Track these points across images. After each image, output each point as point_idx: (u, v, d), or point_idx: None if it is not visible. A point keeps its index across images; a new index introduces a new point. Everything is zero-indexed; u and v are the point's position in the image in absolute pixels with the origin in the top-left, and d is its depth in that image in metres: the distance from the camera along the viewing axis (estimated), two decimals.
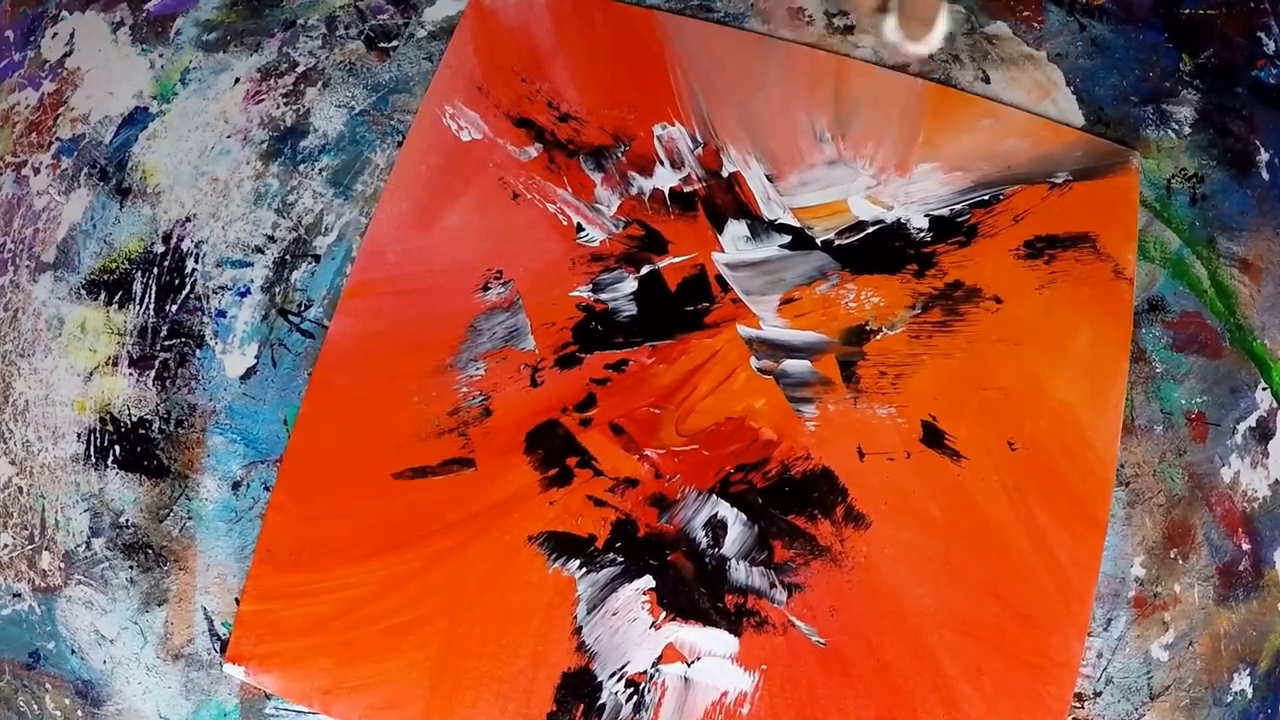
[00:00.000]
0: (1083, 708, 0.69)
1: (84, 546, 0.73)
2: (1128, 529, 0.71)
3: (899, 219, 0.75)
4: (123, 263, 0.76)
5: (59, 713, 0.71)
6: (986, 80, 0.78)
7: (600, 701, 0.68)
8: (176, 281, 0.76)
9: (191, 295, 0.75)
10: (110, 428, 0.74)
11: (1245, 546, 0.72)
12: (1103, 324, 0.72)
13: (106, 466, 0.73)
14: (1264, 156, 0.78)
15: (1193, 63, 0.79)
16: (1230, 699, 0.70)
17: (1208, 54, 0.79)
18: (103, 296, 0.76)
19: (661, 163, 0.76)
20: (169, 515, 0.72)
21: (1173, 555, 0.71)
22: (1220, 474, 0.72)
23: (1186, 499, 0.72)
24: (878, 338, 0.73)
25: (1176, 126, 0.78)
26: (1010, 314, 0.73)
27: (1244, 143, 0.78)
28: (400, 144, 0.77)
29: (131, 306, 0.75)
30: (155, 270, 0.76)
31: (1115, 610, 0.70)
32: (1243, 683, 0.70)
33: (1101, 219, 0.74)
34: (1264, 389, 0.74)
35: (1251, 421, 0.73)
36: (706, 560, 0.69)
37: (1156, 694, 0.69)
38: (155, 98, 0.80)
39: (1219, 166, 0.77)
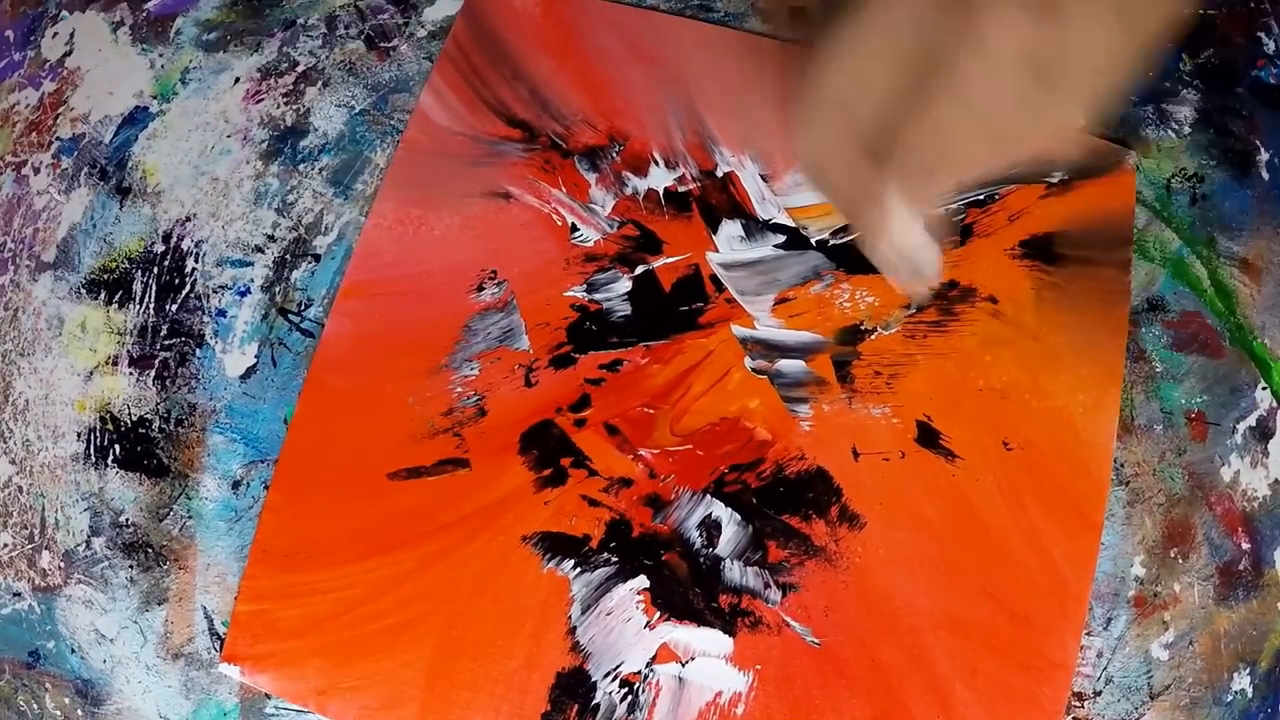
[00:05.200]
0: (1083, 707, 0.68)
1: (84, 546, 0.73)
2: (1127, 528, 0.71)
3: None
4: (123, 262, 0.76)
5: (59, 712, 0.72)
6: None
7: (595, 701, 0.68)
8: (176, 281, 0.76)
9: (191, 295, 0.76)
10: (110, 427, 0.74)
11: (1245, 546, 0.71)
12: (1099, 324, 0.72)
13: (106, 466, 0.74)
14: (1264, 156, 0.77)
15: (1193, 63, 0.79)
16: (1230, 698, 0.70)
17: (1208, 54, 0.79)
18: (103, 296, 0.76)
19: (656, 163, 0.76)
20: (169, 514, 0.73)
21: (1173, 555, 0.71)
22: (1220, 473, 0.72)
23: (1186, 498, 0.72)
24: (872, 337, 0.72)
25: (1176, 126, 0.77)
26: (1006, 314, 0.72)
27: (1244, 143, 0.77)
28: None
29: (131, 306, 0.76)
30: (155, 270, 0.76)
31: (1115, 610, 0.70)
32: (1243, 682, 0.70)
33: (1098, 219, 0.74)
34: (1264, 388, 0.74)
35: (1251, 421, 0.73)
36: (701, 560, 0.69)
37: (1156, 693, 0.69)
38: (155, 97, 0.80)
39: (1219, 166, 0.76)
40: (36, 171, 0.79)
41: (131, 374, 0.75)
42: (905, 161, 0.55)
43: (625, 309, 0.73)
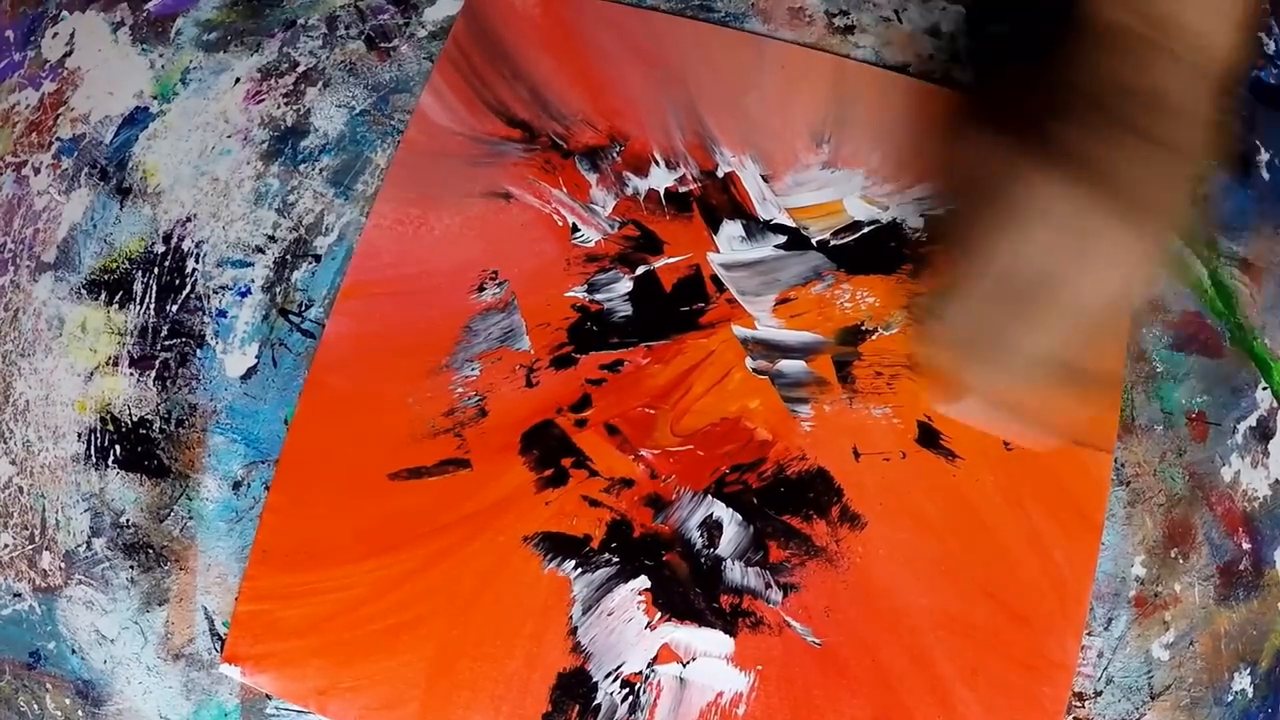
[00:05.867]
0: (1083, 707, 0.68)
1: (84, 546, 0.73)
2: (1128, 528, 0.71)
3: (894, 219, 0.75)
4: (123, 262, 0.76)
5: (59, 713, 0.71)
6: None
7: (595, 702, 0.68)
8: (177, 281, 0.76)
9: (192, 295, 0.76)
10: (111, 427, 0.74)
11: (1245, 546, 0.71)
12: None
13: (107, 466, 0.74)
14: (1264, 156, 0.77)
15: None
16: (1231, 698, 0.70)
17: None
18: (103, 296, 0.76)
19: (657, 163, 0.76)
20: (170, 515, 0.73)
21: (1173, 555, 0.71)
22: (1220, 473, 0.72)
23: (1187, 498, 0.72)
24: (873, 338, 0.73)
25: None
26: None
27: (1244, 143, 0.77)
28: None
29: (132, 306, 0.76)
30: (156, 270, 0.76)
31: (1116, 610, 0.70)
32: (1243, 682, 0.70)
33: None
34: (1264, 388, 0.74)
35: (1252, 421, 0.73)
36: (702, 560, 0.69)
37: (1157, 693, 0.69)
38: (155, 97, 0.80)
39: (1219, 166, 0.76)
40: (37, 172, 0.79)
41: (132, 374, 0.75)
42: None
43: (626, 309, 0.74)
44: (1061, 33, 0.63)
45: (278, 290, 0.75)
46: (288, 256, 0.76)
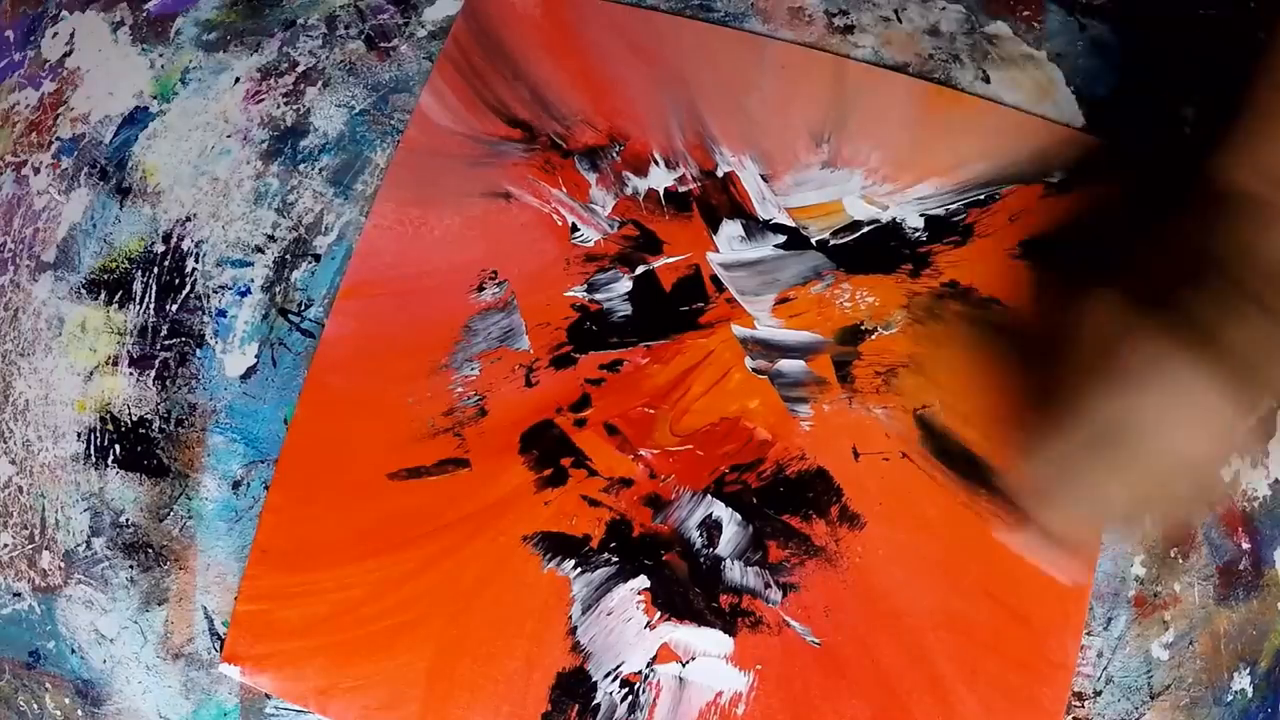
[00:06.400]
0: (1083, 707, 0.68)
1: (84, 546, 0.73)
2: None
3: (894, 219, 0.74)
4: (123, 262, 0.76)
5: (59, 712, 0.72)
6: (986, 80, 0.77)
7: (595, 702, 0.68)
8: (176, 281, 0.76)
9: (191, 295, 0.76)
10: (110, 427, 0.74)
11: (1245, 546, 0.71)
12: None
13: (106, 466, 0.74)
14: None
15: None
16: (1230, 698, 0.70)
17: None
18: (103, 296, 0.76)
19: (656, 163, 0.76)
20: (169, 514, 0.73)
21: (1173, 554, 0.71)
22: (1220, 473, 0.72)
23: None
24: (873, 337, 0.72)
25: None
26: (1006, 314, 0.72)
27: None
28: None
29: (131, 306, 0.76)
30: (155, 270, 0.76)
31: (1115, 609, 0.70)
32: (1243, 682, 0.70)
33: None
34: None
35: (1252, 421, 0.73)
36: (701, 560, 0.69)
37: (1157, 693, 0.69)
38: (155, 97, 0.80)
39: None
40: (36, 171, 0.79)
41: (131, 374, 0.75)
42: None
43: (626, 309, 0.73)
44: (1190, 194, 0.63)
45: (277, 290, 0.75)
46: (287, 256, 0.76)
